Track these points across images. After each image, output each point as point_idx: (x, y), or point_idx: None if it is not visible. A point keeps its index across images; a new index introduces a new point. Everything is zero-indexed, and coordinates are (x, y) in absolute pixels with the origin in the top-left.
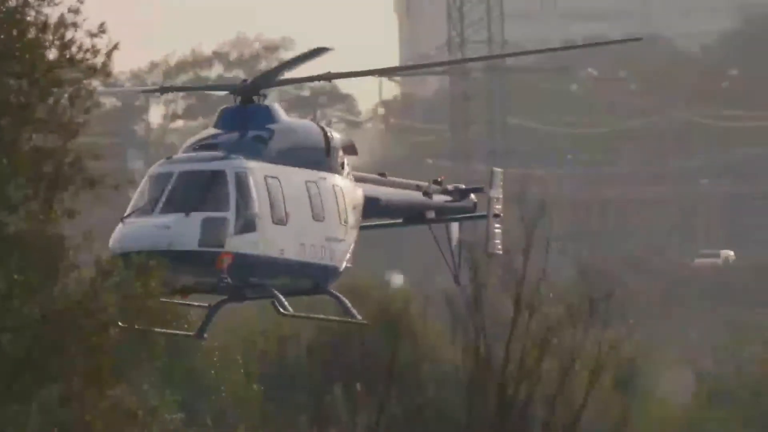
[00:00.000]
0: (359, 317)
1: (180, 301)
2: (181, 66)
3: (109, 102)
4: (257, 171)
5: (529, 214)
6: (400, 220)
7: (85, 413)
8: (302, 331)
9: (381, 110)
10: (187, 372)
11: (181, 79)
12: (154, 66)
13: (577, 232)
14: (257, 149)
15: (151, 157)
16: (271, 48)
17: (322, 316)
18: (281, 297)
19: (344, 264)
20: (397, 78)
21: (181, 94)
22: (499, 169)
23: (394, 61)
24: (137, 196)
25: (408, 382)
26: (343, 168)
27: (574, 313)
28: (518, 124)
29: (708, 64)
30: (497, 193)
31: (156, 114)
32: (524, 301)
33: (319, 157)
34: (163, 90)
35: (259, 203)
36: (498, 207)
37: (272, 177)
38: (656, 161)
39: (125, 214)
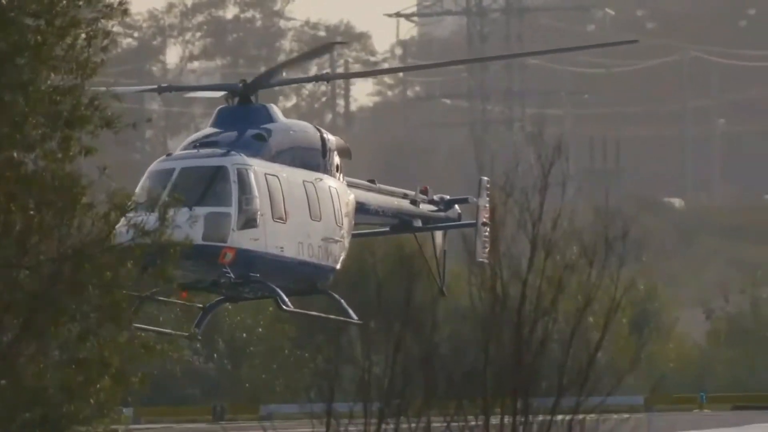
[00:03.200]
0: (355, 317)
1: (178, 301)
2: (197, 7)
3: (125, 42)
4: (258, 168)
5: (545, 154)
6: (386, 228)
7: (103, 349)
8: None
9: (398, 50)
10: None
11: (197, 20)
12: (171, 7)
13: (593, 171)
14: (256, 147)
15: (166, 98)
16: None
17: (320, 313)
18: (281, 293)
19: (339, 265)
20: (415, 18)
21: (198, 33)
22: (485, 178)
23: (411, 4)
24: (138, 192)
25: (424, 321)
26: (337, 170)
27: (589, 253)
28: (535, 64)
29: (725, 3)
30: (484, 201)
31: (173, 54)
32: (541, 241)
33: (315, 158)
34: (161, 90)
35: (260, 200)
36: (486, 215)
37: (272, 175)
38: (673, 101)
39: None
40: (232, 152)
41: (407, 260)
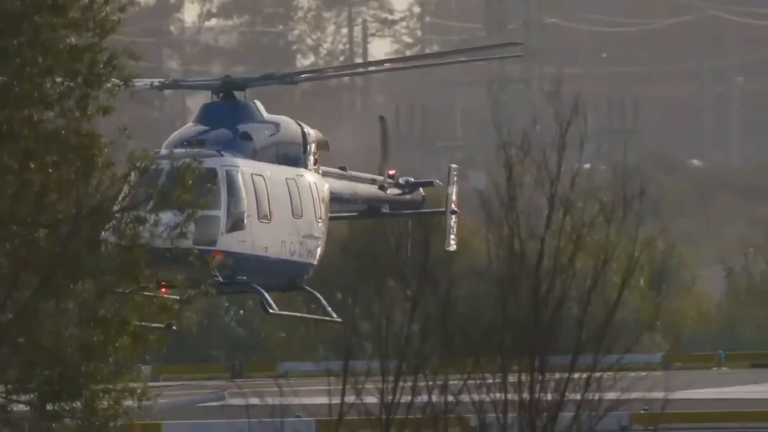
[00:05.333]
0: (335, 315)
1: (160, 296)
2: None
3: (143, 0)
4: (245, 168)
5: (563, 113)
6: (354, 213)
7: (121, 307)
8: (334, 229)
9: (416, 9)
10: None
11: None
12: None
13: (611, 130)
14: (242, 146)
15: (185, 57)
16: None
17: (305, 314)
18: (267, 295)
19: (316, 261)
20: None
21: None
22: (455, 165)
23: None
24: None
25: (441, 278)
26: (315, 164)
27: (607, 211)
28: (553, 23)
29: None
30: (453, 189)
31: (191, 13)
32: (559, 200)
33: (297, 153)
34: (163, 87)
35: (247, 201)
36: (454, 203)
37: (257, 174)
38: (691, 60)
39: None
40: (221, 152)
41: (426, 218)
